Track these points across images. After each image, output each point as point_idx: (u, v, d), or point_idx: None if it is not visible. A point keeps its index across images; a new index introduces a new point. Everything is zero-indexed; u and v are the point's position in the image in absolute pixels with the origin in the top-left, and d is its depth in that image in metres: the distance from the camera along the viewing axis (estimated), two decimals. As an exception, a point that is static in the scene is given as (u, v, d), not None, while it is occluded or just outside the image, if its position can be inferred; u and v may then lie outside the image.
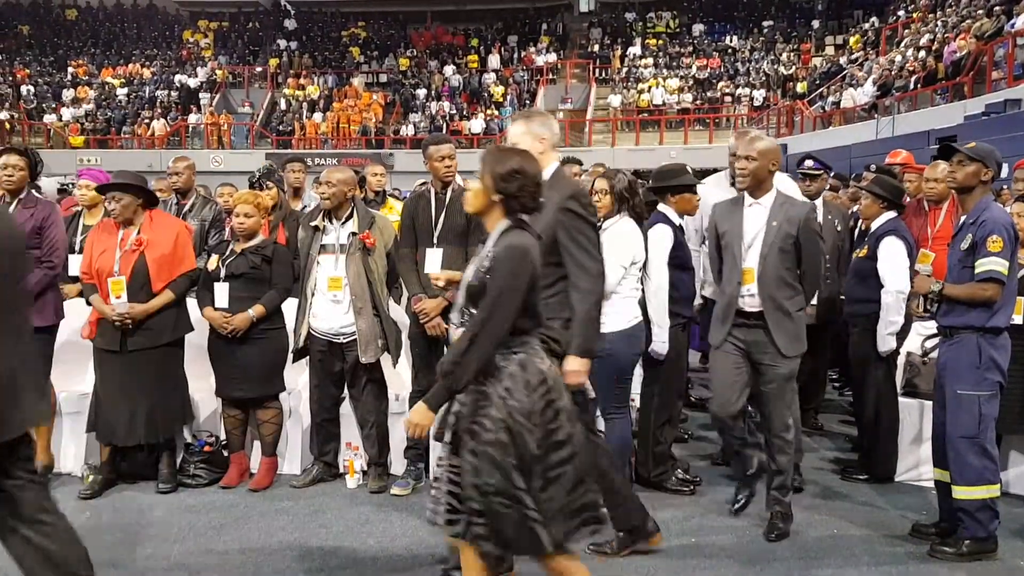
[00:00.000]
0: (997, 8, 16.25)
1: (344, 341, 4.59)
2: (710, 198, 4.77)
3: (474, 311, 2.79)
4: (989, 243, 3.69)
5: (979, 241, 3.73)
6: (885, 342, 4.72)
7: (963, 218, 3.90)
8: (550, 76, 30.04)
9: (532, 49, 31.35)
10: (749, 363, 4.06)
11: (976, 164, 3.83)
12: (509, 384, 2.73)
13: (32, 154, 4.85)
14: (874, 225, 4.89)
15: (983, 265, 3.71)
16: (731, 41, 30.38)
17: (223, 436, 4.95)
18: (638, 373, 4.70)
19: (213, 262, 4.73)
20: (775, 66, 27.63)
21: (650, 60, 29.65)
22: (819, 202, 5.48)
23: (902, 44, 20.70)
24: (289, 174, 6.46)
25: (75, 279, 4.99)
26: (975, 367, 3.75)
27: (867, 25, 26.18)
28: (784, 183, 4.68)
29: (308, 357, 4.76)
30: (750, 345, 4.03)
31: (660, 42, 30.99)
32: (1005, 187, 6.88)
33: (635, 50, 30.42)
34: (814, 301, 4.63)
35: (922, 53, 18.30)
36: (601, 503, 2.89)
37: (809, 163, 5.64)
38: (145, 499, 4.57)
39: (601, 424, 4.61)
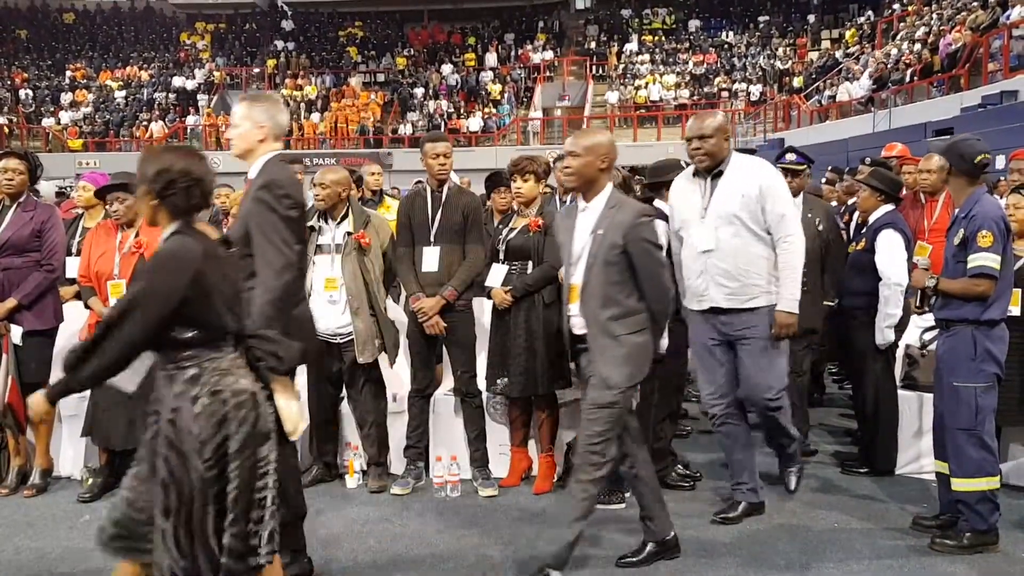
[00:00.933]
0: (992, 0, 16.24)
1: (341, 341, 4.59)
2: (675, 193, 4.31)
3: None
4: (979, 238, 3.69)
5: (970, 236, 3.73)
6: (883, 335, 4.72)
7: (956, 212, 3.91)
8: (547, 73, 30.05)
9: (529, 47, 31.35)
10: None
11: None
12: (176, 404, 2.58)
13: (32, 158, 4.85)
14: (872, 218, 4.89)
15: (974, 261, 3.71)
16: (727, 36, 30.38)
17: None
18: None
19: (210, 263, 4.73)
20: (771, 61, 27.63)
21: (647, 56, 29.66)
22: (799, 199, 5.03)
23: (898, 37, 20.70)
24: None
25: (72, 281, 4.99)
26: (971, 359, 3.75)
27: (862, 19, 26.18)
28: (757, 166, 4.15)
29: (306, 357, 4.75)
30: (585, 371, 3.53)
31: (656, 38, 30.99)
32: (1002, 178, 6.87)
33: (632, 47, 30.43)
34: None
35: (918, 46, 18.30)
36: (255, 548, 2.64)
37: (791, 157, 5.17)
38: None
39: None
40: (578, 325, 3.53)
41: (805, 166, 5.19)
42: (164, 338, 2.57)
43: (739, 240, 3.96)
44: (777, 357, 4.07)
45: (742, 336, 4.02)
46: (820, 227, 5.10)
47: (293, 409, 2.99)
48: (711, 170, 4.05)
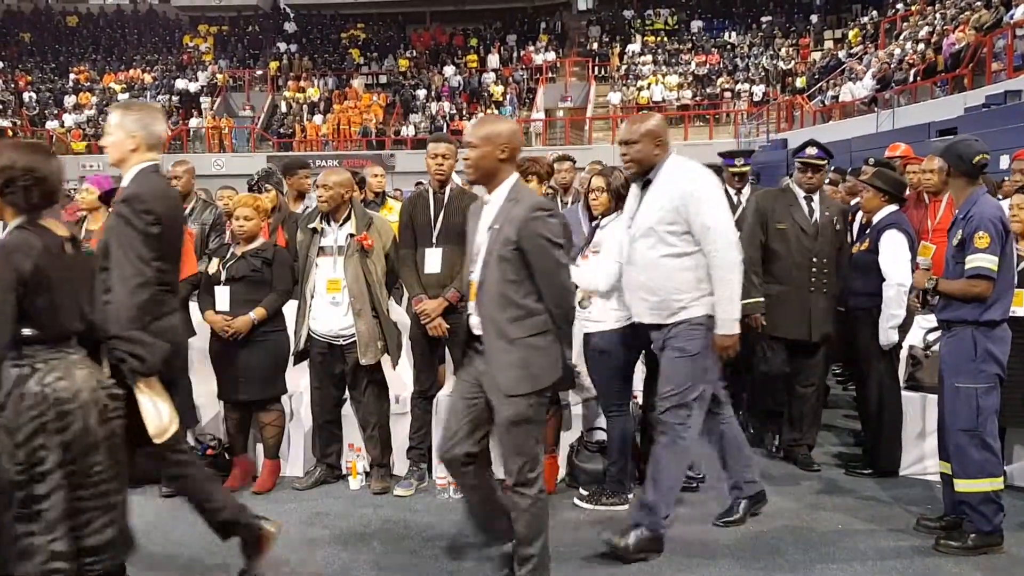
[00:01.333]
0: (996, -1, 16.24)
1: (344, 343, 4.59)
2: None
3: None
4: (976, 239, 3.70)
5: (967, 237, 3.74)
6: (887, 335, 4.72)
7: (956, 213, 3.91)
8: (549, 75, 30.05)
9: (531, 48, 31.37)
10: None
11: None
12: (2, 399, 2.56)
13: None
14: (876, 218, 4.88)
15: (971, 262, 3.72)
16: (730, 37, 30.35)
17: (226, 439, 4.95)
18: (640, 370, 4.71)
19: (214, 265, 4.74)
20: (774, 61, 27.61)
21: (649, 57, 29.64)
22: (817, 197, 4.96)
23: (901, 37, 20.67)
24: (303, 180, 6.43)
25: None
26: (971, 360, 3.75)
27: (866, 19, 26.15)
28: (685, 172, 3.80)
29: (309, 359, 4.76)
30: (483, 376, 3.30)
31: (659, 39, 30.98)
32: (1006, 178, 6.85)
33: (634, 47, 30.42)
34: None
35: (921, 46, 18.27)
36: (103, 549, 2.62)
37: (812, 151, 4.93)
38: (149, 503, 4.56)
39: (603, 421, 4.63)
40: (475, 324, 3.32)
41: (826, 161, 5.01)
42: None
43: (654, 252, 3.75)
44: (682, 369, 3.75)
45: (664, 348, 3.84)
46: (838, 227, 5.02)
47: (162, 411, 2.94)
48: (642, 177, 3.85)
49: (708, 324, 3.75)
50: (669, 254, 3.72)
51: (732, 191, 5.65)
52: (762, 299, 4.82)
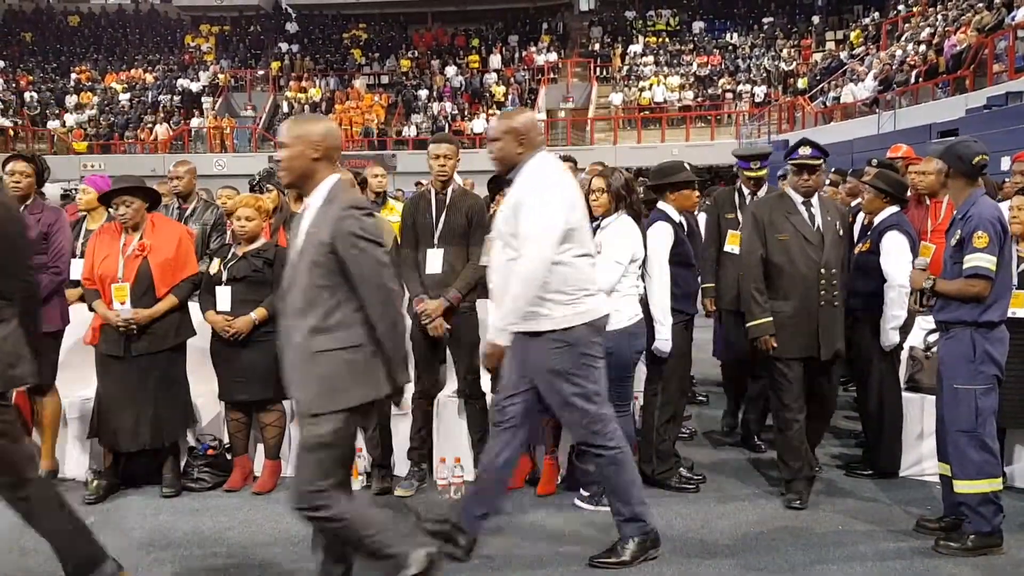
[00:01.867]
0: (997, 1, 16.23)
1: (345, 343, 4.59)
2: None
3: None
4: (975, 239, 3.71)
5: (966, 237, 3.74)
6: (888, 336, 4.72)
7: (955, 213, 3.92)
8: (551, 75, 30.09)
9: (533, 48, 31.42)
10: None
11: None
12: None
13: (39, 161, 4.87)
14: (877, 220, 4.89)
15: (969, 261, 3.73)
16: (731, 38, 30.40)
17: (226, 439, 4.96)
18: (641, 370, 4.72)
19: (215, 266, 4.74)
20: (776, 62, 27.63)
21: (651, 58, 29.69)
22: (815, 201, 4.52)
23: (902, 38, 20.69)
24: None
25: (76, 283, 5.01)
26: (969, 361, 3.76)
27: (867, 20, 26.18)
28: (529, 174, 3.58)
29: (310, 359, 4.76)
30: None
31: (660, 40, 31.03)
32: (1006, 180, 6.85)
33: (636, 48, 30.47)
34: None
35: (922, 47, 18.29)
36: None
37: (806, 151, 4.48)
38: (149, 503, 4.58)
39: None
40: None
41: (821, 161, 4.55)
42: None
43: (503, 256, 3.58)
44: (566, 390, 3.55)
45: (531, 370, 3.58)
46: (841, 232, 4.68)
47: None
48: (507, 176, 3.66)
49: (567, 338, 3.51)
50: (514, 258, 3.51)
51: (747, 191, 5.58)
52: (770, 319, 4.44)
